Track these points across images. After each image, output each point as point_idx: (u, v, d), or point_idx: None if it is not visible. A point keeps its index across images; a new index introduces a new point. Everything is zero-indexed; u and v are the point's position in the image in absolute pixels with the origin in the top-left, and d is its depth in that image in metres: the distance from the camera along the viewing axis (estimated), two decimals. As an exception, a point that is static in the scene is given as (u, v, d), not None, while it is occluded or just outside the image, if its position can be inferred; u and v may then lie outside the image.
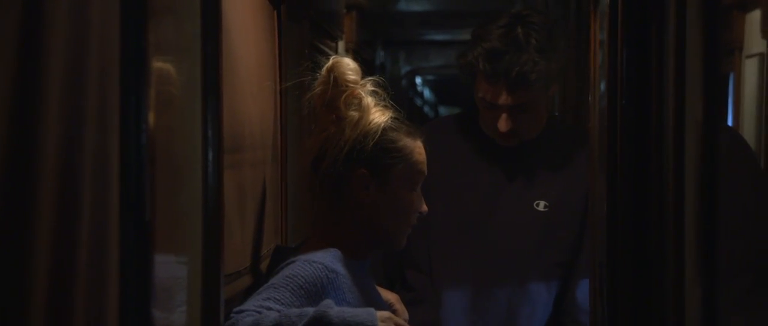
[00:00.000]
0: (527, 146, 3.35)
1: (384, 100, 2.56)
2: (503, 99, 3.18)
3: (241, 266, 2.39)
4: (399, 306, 2.79)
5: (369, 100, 2.51)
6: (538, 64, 3.13)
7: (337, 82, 2.50)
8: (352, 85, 2.50)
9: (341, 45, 5.04)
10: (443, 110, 14.94)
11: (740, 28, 1.71)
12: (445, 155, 3.39)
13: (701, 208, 1.73)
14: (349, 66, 2.52)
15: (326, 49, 4.17)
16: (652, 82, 2.09)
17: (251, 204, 2.51)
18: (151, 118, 1.48)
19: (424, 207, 2.61)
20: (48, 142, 1.21)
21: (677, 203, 1.87)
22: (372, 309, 2.31)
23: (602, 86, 2.44)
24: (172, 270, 1.72)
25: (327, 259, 2.42)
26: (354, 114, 2.49)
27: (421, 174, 2.57)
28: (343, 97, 2.49)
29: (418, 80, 11.61)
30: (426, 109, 13.22)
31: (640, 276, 2.15)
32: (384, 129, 2.50)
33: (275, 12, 2.94)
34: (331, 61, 2.52)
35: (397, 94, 8.91)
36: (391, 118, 2.53)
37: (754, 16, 1.60)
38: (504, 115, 3.21)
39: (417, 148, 2.56)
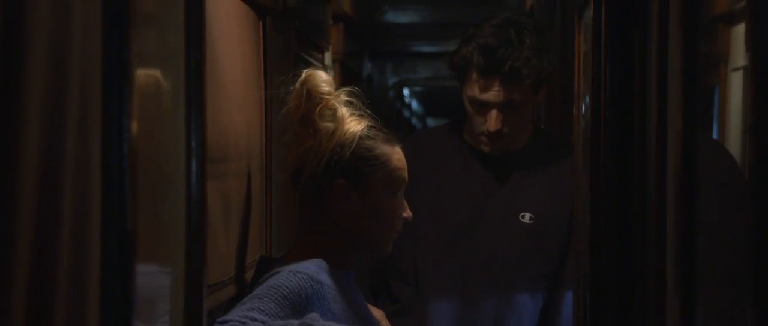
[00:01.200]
0: (513, 157, 3.36)
1: (360, 109, 2.57)
2: (494, 94, 3.21)
3: (224, 276, 2.39)
4: (385, 322, 2.79)
5: (344, 111, 2.52)
6: (530, 60, 3.17)
7: (310, 95, 2.51)
8: (326, 97, 2.51)
9: (328, 56, 5.03)
10: (431, 122, 14.93)
11: (726, 41, 1.71)
12: (431, 166, 3.39)
13: (682, 220, 1.73)
14: (322, 78, 2.53)
15: (313, 60, 4.16)
16: (635, 94, 2.10)
17: (236, 214, 2.51)
18: (133, 127, 1.47)
19: (409, 213, 2.62)
20: (28, 151, 1.20)
21: (659, 215, 1.87)
22: None
23: (586, 98, 2.44)
24: (155, 281, 1.72)
25: (312, 270, 2.42)
26: (329, 125, 2.50)
27: (401, 181, 2.57)
28: (318, 109, 2.50)
29: (406, 92, 11.60)
30: (414, 120, 13.21)
31: (623, 288, 2.15)
32: (360, 138, 2.51)
33: (260, 22, 2.94)
34: (303, 75, 2.53)
35: (384, 106, 8.88)
36: (368, 126, 2.54)
37: (740, 30, 1.59)
38: (494, 113, 3.23)
39: (395, 154, 2.56)
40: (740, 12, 1.58)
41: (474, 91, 3.24)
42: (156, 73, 1.70)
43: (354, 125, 2.52)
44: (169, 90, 1.80)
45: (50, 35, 1.26)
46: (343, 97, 2.55)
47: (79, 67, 1.34)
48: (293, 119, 2.55)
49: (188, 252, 1.88)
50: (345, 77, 6.08)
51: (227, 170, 2.41)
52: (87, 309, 1.38)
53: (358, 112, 2.56)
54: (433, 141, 3.52)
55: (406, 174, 2.59)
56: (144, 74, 1.59)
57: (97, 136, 1.40)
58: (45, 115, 1.24)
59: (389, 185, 2.55)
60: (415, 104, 13.25)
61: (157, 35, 1.74)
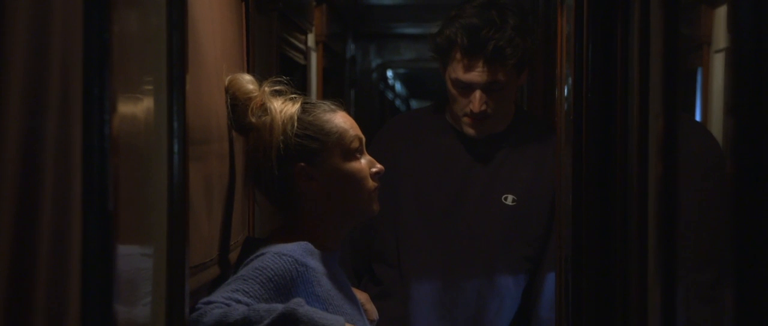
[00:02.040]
0: (495, 139, 3.36)
1: (292, 91, 2.58)
2: (478, 75, 3.21)
3: (207, 257, 2.38)
4: (369, 305, 2.80)
5: (274, 102, 2.54)
6: (513, 40, 3.18)
7: (237, 98, 2.53)
8: (252, 95, 2.53)
9: (311, 38, 5.03)
10: (415, 104, 14.94)
11: (708, 23, 1.72)
12: (413, 147, 3.40)
13: (664, 202, 1.74)
14: (244, 79, 2.56)
15: (296, 42, 4.16)
16: (617, 76, 2.11)
17: (218, 195, 2.51)
18: (114, 109, 1.47)
19: (379, 166, 2.61)
20: (9, 132, 1.20)
21: (641, 196, 1.88)
22: (341, 318, 2.33)
23: (569, 80, 2.45)
24: (136, 262, 1.72)
25: (297, 252, 2.42)
26: (266, 119, 2.52)
27: (355, 139, 2.57)
28: (249, 109, 2.52)
29: (390, 73, 11.60)
30: (397, 102, 13.23)
31: (605, 269, 2.16)
32: (298, 118, 2.53)
33: (243, 4, 2.93)
34: (226, 82, 2.55)
35: (367, 87, 8.87)
36: (302, 104, 2.55)
37: (722, 12, 1.60)
38: (477, 93, 3.24)
39: (337, 118, 2.57)
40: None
41: (457, 71, 3.25)
42: (137, 54, 1.70)
43: (288, 109, 2.54)
44: (150, 71, 1.80)
45: (31, 16, 1.26)
46: (269, 89, 2.56)
47: (60, 48, 1.34)
48: (234, 128, 2.57)
49: (170, 234, 1.88)
50: (328, 59, 6.07)
51: (209, 151, 2.41)
52: (68, 291, 1.37)
53: (289, 97, 2.57)
54: (416, 122, 3.52)
55: (358, 131, 2.59)
56: (125, 56, 1.58)
57: (78, 117, 1.39)
58: (26, 96, 1.24)
59: (344, 149, 2.55)
60: (398, 86, 13.25)
61: (139, 16, 1.73)
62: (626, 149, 2.05)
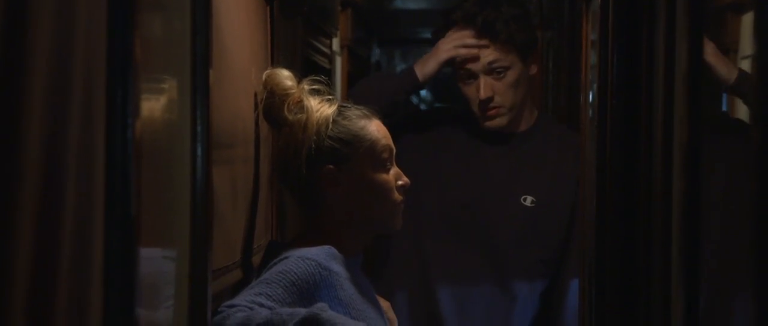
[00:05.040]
0: (517, 140, 3.38)
1: (329, 93, 2.58)
2: (475, 56, 3.24)
3: (230, 260, 2.39)
4: (391, 313, 2.79)
5: (311, 100, 2.53)
6: (503, 15, 3.23)
7: (274, 93, 2.53)
8: (290, 91, 2.52)
9: (336, 42, 5.02)
10: (440, 108, 14.90)
11: (735, 30, 1.71)
12: (435, 145, 3.42)
13: (688, 209, 1.73)
14: (283, 74, 2.55)
15: (320, 46, 4.16)
16: (642, 82, 2.10)
17: (243, 199, 2.51)
18: (137, 113, 1.47)
19: (405, 180, 2.61)
20: (31, 136, 1.20)
21: (665, 203, 1.87)
22: (364, 324, 2.33)
23: (594, 86, 2.44)
24: (159, 266, 1.72)
25: (321, 257, 2.42)
26: (301, 117, 2.51)
27: (386, 150, 2.57)
28: (286, 105, 2.51)
29: (415, 78, 11.59)
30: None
31: (628, 276, 2.15)
32: (334, 121, 2.52)
33: (268, 8, 2.93)
34: (264, 76, 2.55)
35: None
36: (338, 107, 2.55)
37: (749, 19, 1.59)
38: (481, 80, 3.27)
39: (373, 126, 2.57)
40: (749, 1, 1.57)
41: (460, 62, 3.30)
42: (161, 58, 1.70)
43: (325, 110, 2.54)
44: (174, 75, 1.80)
45: (54, 20, 1.26)
46: (307, 87, 2.56)
47: (83, 52, 1.34)
48: (268, 122, 2.57)
49: (193, 237, 1.88)
50: (353, 63, 6.07)
51: (235, 155, 2.42)
52: (90, 295, 1.38)
53: (326, 97, 2.57)
54: (438, 121, 3.54)
55: (389, 141, 2.59)
56: (149, 59, 1.58)
57: (101, 121, 1.40)
58: (49, 100, 1.24)
59: (375, 158, 2.55)
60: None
61: (163, 20, 1.74)
62: (651, 155, 2.04)
